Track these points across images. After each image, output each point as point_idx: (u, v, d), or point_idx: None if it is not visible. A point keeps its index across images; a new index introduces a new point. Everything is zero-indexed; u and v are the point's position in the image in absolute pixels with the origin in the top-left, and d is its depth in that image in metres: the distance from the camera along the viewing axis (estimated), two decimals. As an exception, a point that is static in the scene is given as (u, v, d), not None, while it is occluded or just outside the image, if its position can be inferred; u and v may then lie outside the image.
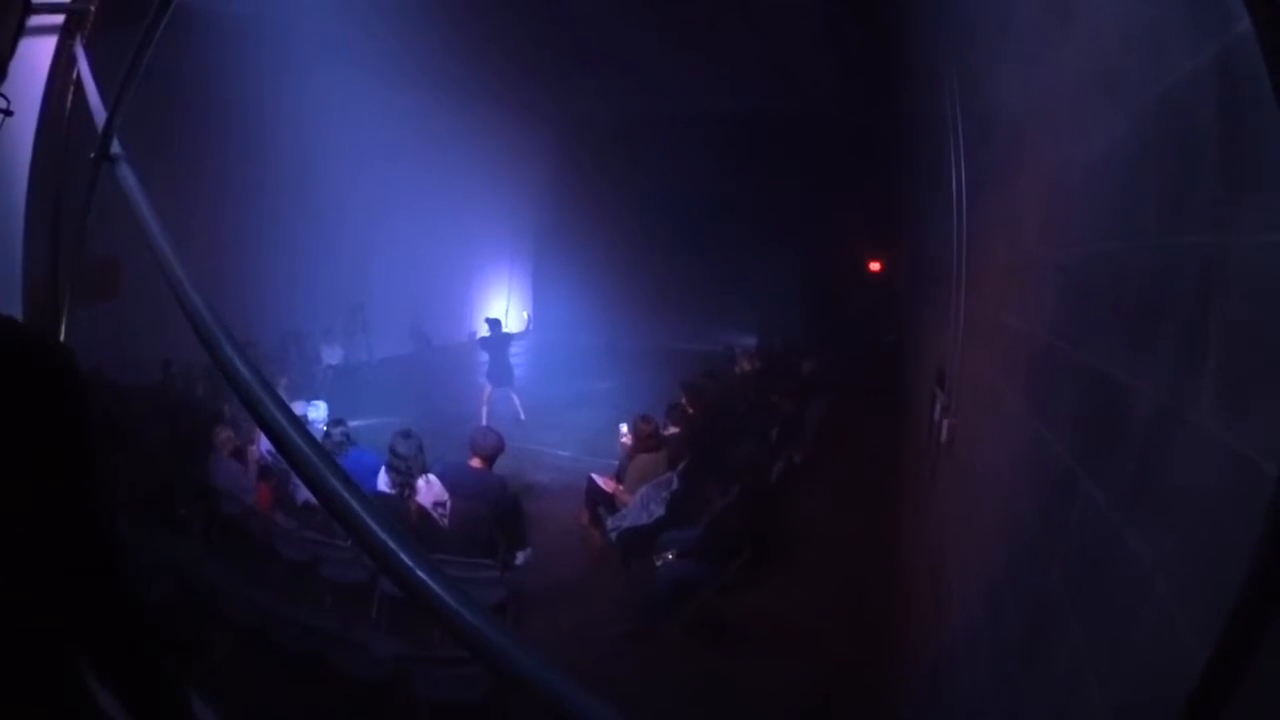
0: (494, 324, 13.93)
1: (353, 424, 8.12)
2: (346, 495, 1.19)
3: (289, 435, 1.27)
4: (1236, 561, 0.94)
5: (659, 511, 7.83)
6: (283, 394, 7.64)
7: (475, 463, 7.19)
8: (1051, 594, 1.71)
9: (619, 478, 8.80)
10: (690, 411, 10.25)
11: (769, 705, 5.28)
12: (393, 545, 1.14)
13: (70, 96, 2.52)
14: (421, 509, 6.78)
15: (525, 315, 18.13)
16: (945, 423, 4.20)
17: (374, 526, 1.16)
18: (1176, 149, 1.35)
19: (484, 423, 11.78)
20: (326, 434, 7.69)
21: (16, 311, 1.99)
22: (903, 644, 4.85)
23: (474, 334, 16.88)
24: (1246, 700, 0.86)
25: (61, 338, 2.22)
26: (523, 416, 13.37)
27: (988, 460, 2.95)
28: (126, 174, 1.84)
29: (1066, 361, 1.96)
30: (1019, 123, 2.88)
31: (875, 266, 18.76)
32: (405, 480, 6.80)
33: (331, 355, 14.32)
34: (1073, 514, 1.67)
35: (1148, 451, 1.35)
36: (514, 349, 14.99)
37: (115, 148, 1.92)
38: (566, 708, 0.99)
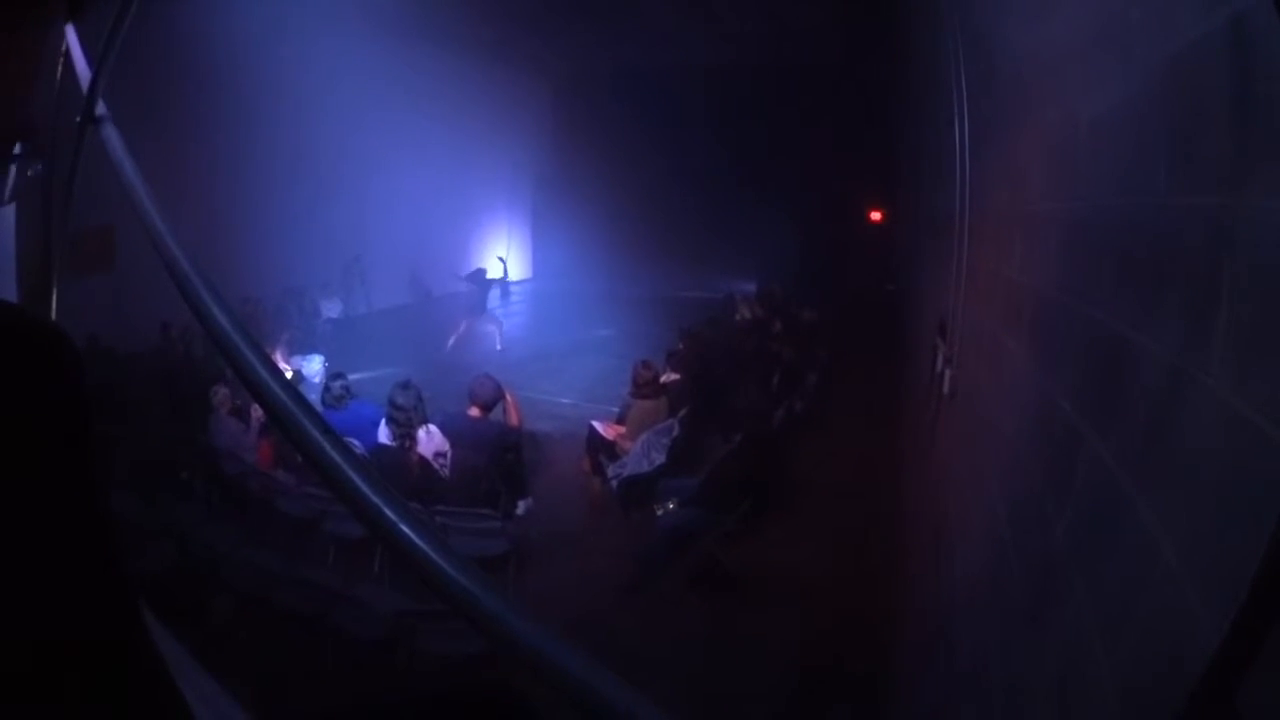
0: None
1: (353, 377, 8.09)
2: (327, 445, 1.18)
3: (267, 384, 1.26)
4: (1244, 527, 0.93)
5: (660, 459, 7.86)
6: (283, 349, 7.67)
7: (474, 412, 7.21)
8: (1056, 554, 1.70)
9: (620, 424, 8.81)
10: (690, 358, 10.24)
11: (770, 655, 5.32)
12: (376, 498, 1.13)
13: (59, 70, 2.47)
14: (423, 460, 6.80)
15: (503, 262, 18.22)
16: (947, 374, 4.18)
17: (355, 477, 1.15)
18: (1186, 110, 1.33)
19: (450, 348, 13.31)
20: (326, 387, 7.67)
21: (11, 287, 1.97)
22: (904, 595, 4.88)
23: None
24: (1265, 677, 0.85)
25: (53, 310, 2.21)
26: (499, 346, 14.37)
27: (990, 413, 2.94)
28: (111, 134, 1.82)
29: (1071, 317, 1.94)
30: (1023, 74, 2.83)
31: (876, 216, 18.71)
32: (405, 432, 6.81)
33: (330, 309, 14.32)
34: (1078, 472, 1.66)
35: (1156, 412, 1.34)
36: (514, 294, 16.27)
37: (100, 109, 1.90)
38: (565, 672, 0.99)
